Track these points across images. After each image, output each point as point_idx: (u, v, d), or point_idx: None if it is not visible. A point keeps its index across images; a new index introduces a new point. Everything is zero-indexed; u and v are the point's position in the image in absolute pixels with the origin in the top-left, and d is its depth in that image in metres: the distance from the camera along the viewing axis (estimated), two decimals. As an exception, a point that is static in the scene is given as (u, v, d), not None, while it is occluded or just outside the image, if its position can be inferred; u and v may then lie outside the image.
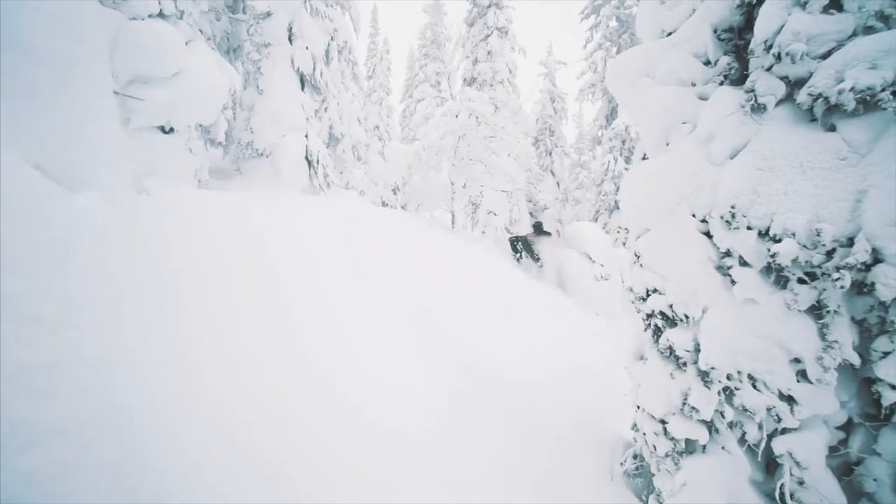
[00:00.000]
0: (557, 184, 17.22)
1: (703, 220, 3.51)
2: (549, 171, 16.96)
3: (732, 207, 3.23)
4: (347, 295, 5.40)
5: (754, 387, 3.11)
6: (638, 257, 3.94)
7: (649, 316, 3.89)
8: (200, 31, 10.25)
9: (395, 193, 15.67)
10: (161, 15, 8.52)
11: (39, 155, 1.47)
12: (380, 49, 23.59)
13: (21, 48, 1.50)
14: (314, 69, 12.65)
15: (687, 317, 3.49)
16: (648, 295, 3.83)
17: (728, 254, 3.44)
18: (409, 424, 3.84)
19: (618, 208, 15.91)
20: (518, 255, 15.91)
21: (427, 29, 24.34)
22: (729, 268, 3.35)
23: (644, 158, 4.67)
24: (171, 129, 8.72)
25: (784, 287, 3.06)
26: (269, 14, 11.65)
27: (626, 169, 15.20)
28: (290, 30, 12.13)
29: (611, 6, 16.36)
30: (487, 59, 16.51)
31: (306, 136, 12.19)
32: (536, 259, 15.31)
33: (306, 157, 12.22)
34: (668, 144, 3.95)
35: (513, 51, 17.16)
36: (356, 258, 6.50)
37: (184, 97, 8.55)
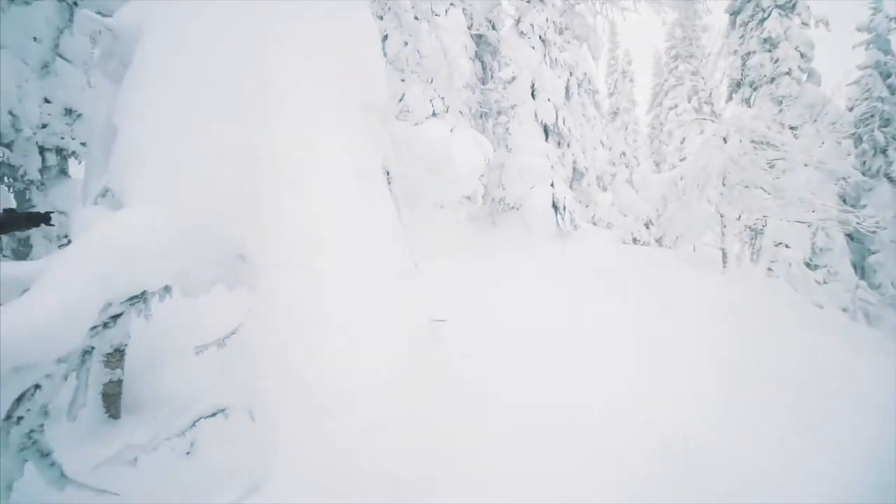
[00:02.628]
0: (899, 192, 12.16)
1: None
2: (885, 177, 12.13)
3: None
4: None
5: None
6: None
7: None
8: (460, 112, 11.99)
9: (647, 227, 14.24)
10: (433, 114, 10.39)
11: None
12: (620, 62, 22.21)
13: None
14: (556, 117, 12.96)
15: None
16: None
17: None
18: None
19: None
20: None
21: (676, 26, 21.60)
22: None
23: None
24: (443, 206, 10.47)
25: None
26: (513, 79, 12.62)
27: None
28: (532, 87, 12.80)
29: None
30: (764, 49, 13.30)
31: (552, 185, 12.54)
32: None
33: (553, 205, 12.55)
34: None
35: (804, 26, 13.32)
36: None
37: (451, 177, 10.14)
